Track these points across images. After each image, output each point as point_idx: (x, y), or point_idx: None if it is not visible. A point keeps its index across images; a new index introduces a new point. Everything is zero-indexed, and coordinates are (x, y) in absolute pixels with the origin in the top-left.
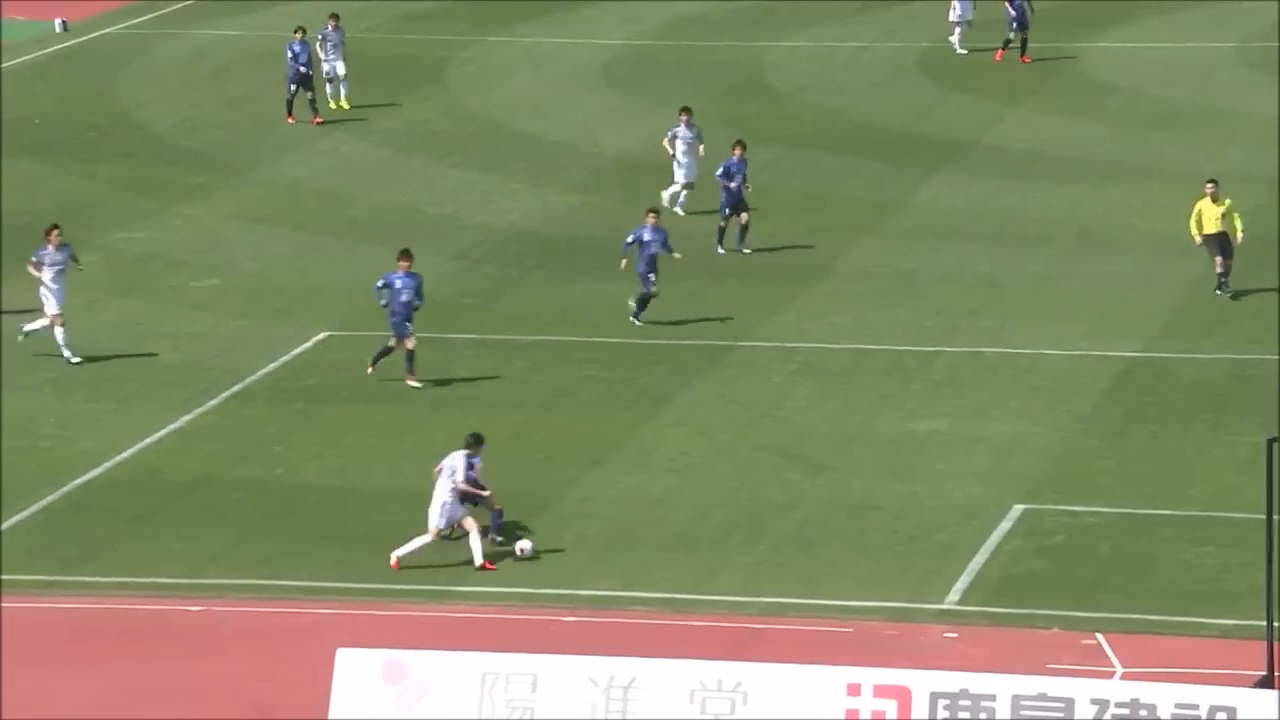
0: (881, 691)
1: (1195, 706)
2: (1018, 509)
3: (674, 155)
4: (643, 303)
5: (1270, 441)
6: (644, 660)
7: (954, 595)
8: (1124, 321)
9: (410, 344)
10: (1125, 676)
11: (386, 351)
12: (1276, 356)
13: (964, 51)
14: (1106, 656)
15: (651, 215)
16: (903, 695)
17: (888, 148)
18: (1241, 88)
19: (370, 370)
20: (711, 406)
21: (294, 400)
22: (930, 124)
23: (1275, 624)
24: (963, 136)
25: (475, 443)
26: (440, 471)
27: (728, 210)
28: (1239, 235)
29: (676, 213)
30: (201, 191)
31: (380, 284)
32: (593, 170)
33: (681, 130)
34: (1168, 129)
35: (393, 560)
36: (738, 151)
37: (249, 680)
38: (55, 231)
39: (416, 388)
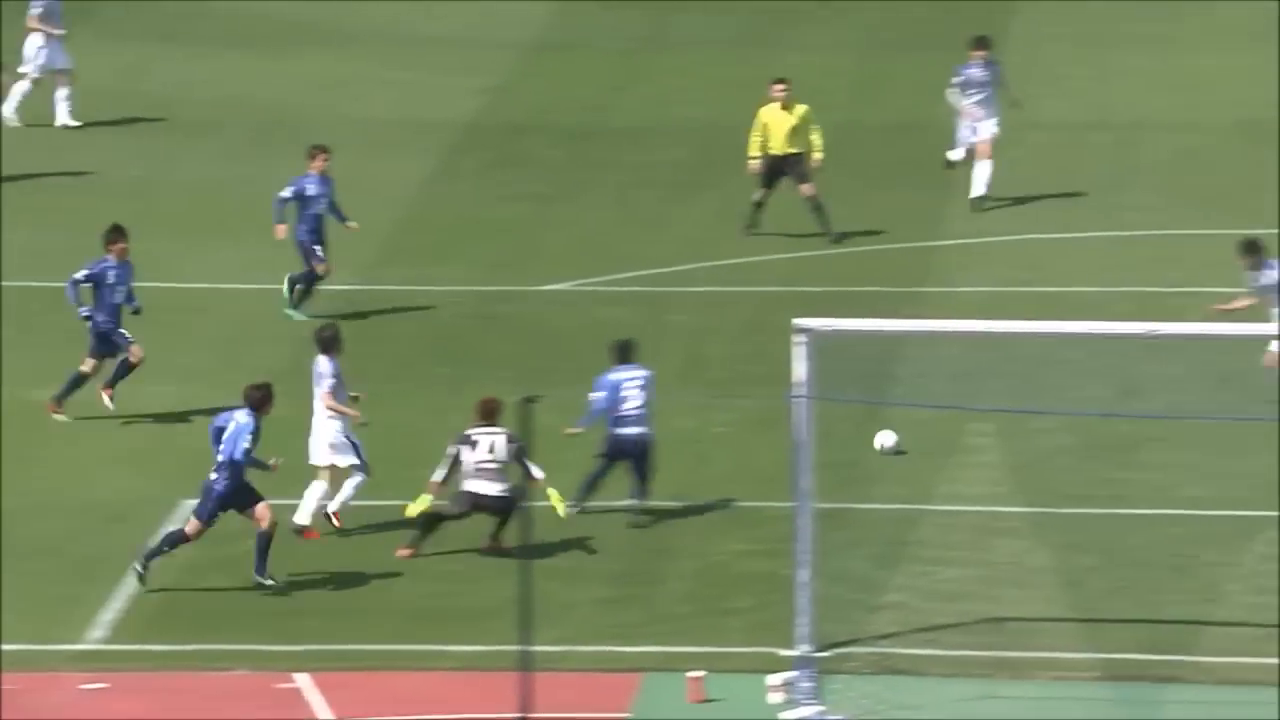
0: None
1: None
2: (189, 505)
3: None
4: (300, 285)
5: (527, 401)
6: None
7: (98, 630)
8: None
9: (137, 354)
10: None
11: (82, 380)
12: (527, 287)
13: None
14: (309, 703)
15: (320, 156)
16: None
17: None
18: None
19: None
20: None
21: None
22: None
23: (532, 648)
24: None
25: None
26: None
27: None
28: (817, 155)
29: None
30: None
31: (83, 275)
32: None
33: None
34: None
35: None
36: None
37: None
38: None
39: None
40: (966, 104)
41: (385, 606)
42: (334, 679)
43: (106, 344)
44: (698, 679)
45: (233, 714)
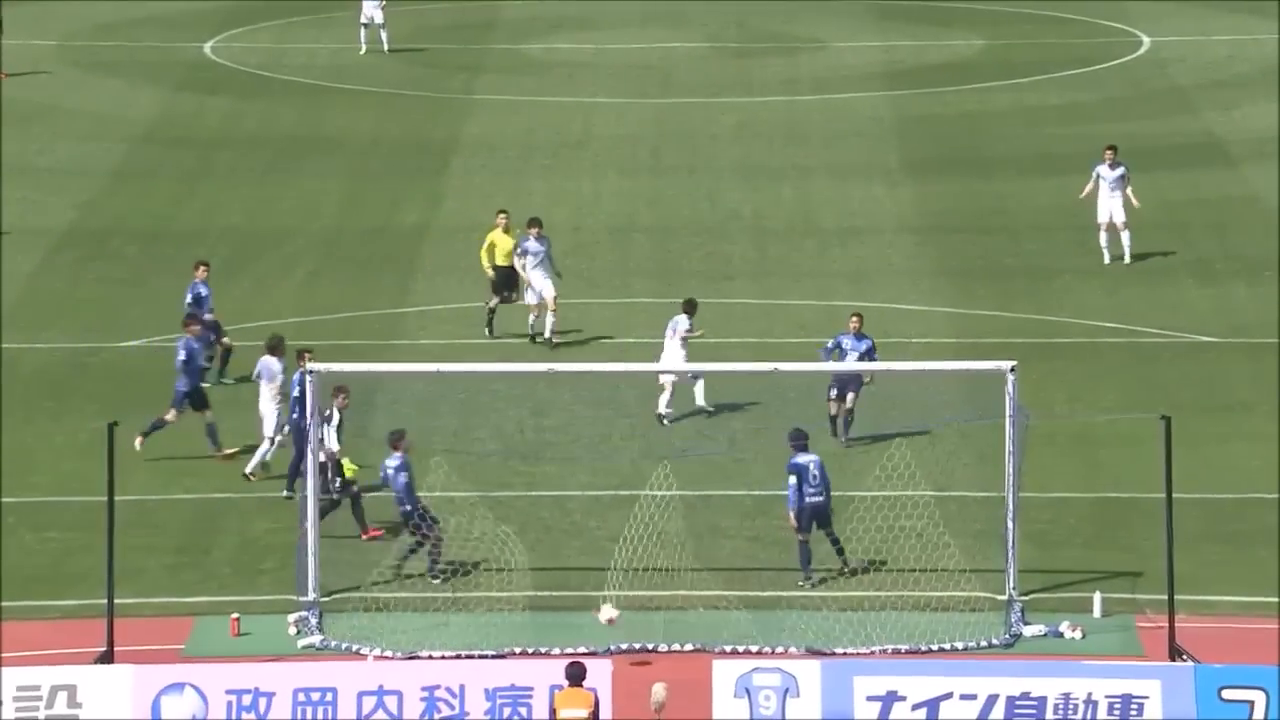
0: None
1: (37, 688)
2: None
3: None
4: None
5: (111, 425)
6: None
7: None
8: None
9: (209, 414)
10: None
11: (161, 425)
12: (110, 344)
13: None
14: None
15: (201, 268)
16: None
17: None
18: (67, 85)
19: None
20: None
21: None
22: None
23: (114, 601)
24: None
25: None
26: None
27: None
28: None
29: None
30: None
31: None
32: None
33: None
34: None
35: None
36: None
37: None
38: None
39: (229, 452)
40: (527, 271)
41: (9, 575)
42: None
43: (195, 399)
44: (236, 619)
45: None
